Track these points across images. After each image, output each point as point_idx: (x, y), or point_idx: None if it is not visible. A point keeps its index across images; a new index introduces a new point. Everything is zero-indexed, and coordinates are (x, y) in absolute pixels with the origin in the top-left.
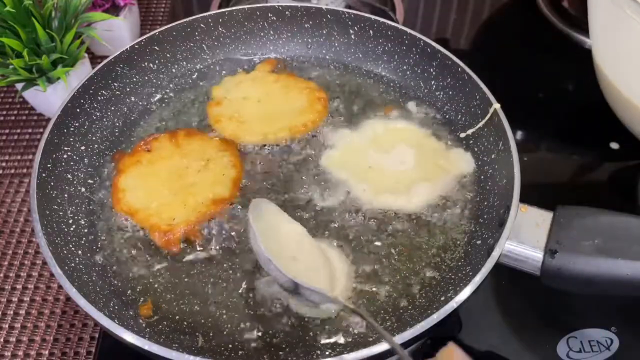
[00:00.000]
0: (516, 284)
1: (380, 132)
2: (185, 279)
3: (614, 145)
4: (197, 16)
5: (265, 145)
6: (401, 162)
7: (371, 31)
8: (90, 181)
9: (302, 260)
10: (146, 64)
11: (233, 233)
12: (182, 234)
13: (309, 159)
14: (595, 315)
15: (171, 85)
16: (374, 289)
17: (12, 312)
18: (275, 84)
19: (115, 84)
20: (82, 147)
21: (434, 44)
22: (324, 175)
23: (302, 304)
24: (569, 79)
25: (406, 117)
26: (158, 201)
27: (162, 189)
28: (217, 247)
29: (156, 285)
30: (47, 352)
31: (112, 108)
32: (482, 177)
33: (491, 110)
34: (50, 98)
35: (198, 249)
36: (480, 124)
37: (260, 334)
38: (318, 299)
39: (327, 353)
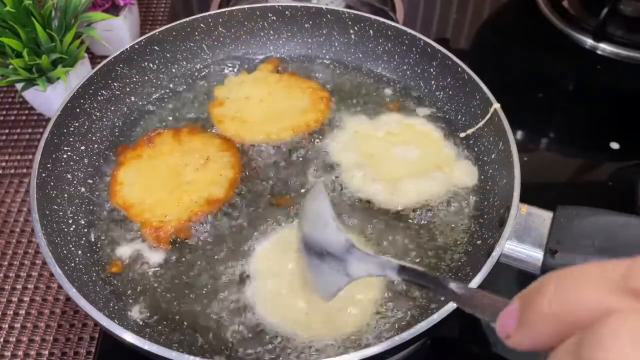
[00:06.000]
0: (516, 284)
1: (393, 126)
2: (185, 279)
3: (614, 145)
4: (197, 16)
5: (267, 145)
6: (404, 158)
7: (371, 31)
8: (90, 181)
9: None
10: (146, 64)
11: (228, 232)
12: (172, 231)
13: (311, 159)
14: None
15: (171, 85)
16: (373, 288)
17: (12, 312)
18: (278, 84)
19: (115, 84)
20: (82, 147)
21: (434, 43)
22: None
23: (326, 279)
24: (569, 79)
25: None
26: (153, 197)
27: (159, 185)
28: (215, 247)
29: (156, 285)
30: (47, 352)
31: (112, 108)
32: (482, 177)
33: (491, 110)
34: (50, 98)
35: (195, 248)
36: (480, 124)
37: (260, 333)
38: (364, 268)
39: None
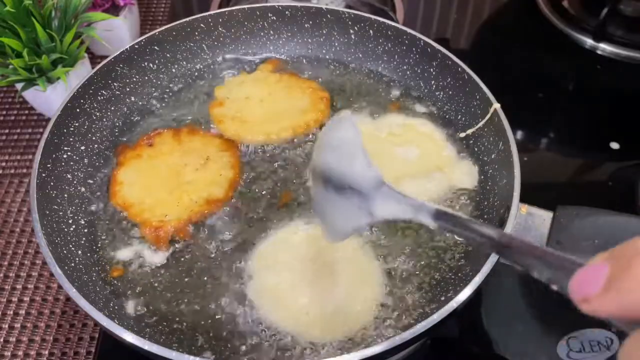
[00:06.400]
0: (517, 284)
1: (394, 126)
2: (185, 279)
3: (614, 145)
4: (197, 16)
5: (267, 145)
6: (404, 158)
7: (371, 31)
8: (90, 181)
9: None
10: (146, 63)
11: (228, 232)
12: (172, 231)
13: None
14: None
15: (171, 85)
16: (373, 287)
17: (12, 312)
18: (278, 84)
19: (115, 84)
20: (82, 147)
21: (434, 44)
22: None
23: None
24: (569, 79)
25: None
26: (153, 197)
27: (159, 184)
28: (215, 247)
29: (156, 285)
30: (47, 352)
31: (112, 108)
32: (482, 177)
33: (491, 110)
34: (50, 98)
35: (195, 247)
36: (480, 124)
37: (260, 333)
38: (393, 209)
39: (324, 353)
